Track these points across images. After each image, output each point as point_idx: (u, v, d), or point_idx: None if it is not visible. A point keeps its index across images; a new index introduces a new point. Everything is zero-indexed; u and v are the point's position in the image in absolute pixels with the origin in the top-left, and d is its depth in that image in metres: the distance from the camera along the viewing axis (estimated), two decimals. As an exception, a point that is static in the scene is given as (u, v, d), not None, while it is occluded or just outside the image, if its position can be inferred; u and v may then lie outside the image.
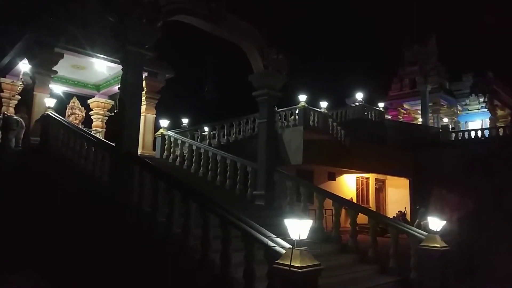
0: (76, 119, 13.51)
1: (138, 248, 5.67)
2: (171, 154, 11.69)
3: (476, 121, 32.95)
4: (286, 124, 14.93)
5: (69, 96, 13.86)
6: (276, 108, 12.78)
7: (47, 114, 9.04)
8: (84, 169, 7.47)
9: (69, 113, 13.67)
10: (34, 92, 9.54)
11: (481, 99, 31.92)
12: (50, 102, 9.31)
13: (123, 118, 6.53)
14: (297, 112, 14.65)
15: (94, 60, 10.70)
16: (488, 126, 27.11)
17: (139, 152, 9.86)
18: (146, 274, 5.45)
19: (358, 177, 20.43)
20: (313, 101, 16.19)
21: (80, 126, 11.53)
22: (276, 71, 8.74)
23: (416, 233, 6.87)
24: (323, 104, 16.15)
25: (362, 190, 20.82)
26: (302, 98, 14.78)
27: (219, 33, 8.23)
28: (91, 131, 12.25)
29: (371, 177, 21.05)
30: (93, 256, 6.08)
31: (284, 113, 15.14)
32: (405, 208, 19.72)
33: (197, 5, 7.49)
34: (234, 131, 15.17)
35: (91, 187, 7.02)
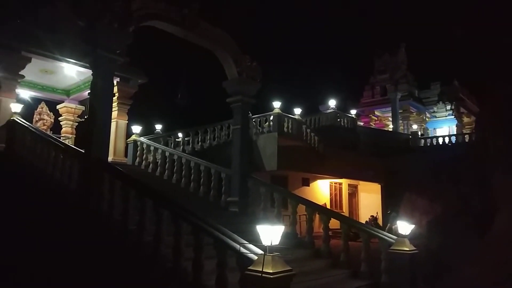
0: (44, 125, 13.13)
1: (108, 257, 5.53)
2: (144, 161, 11.52)
3: (444, 128, 34.17)
4: (260, 130, 14.98)
5: (37, 101, 13.45)
6: (250, 115, 12.84)
7: (13, 119, 8.73)
8: (51, 176, 7.24)
9: (37, 119, 13.29)
10: (0, 97, 9.23)
11: (448, 107, 33.21)
12: (17, 108, 9.00)
13: (93, 124, 6.39)
14: (271, 118, 14.74)
15: (63, 64, 10.45)
16: (455, 133, 28.16)
17: (110, 158, 9.70)
18: (117, 283, 5.32)
19: (332, 183, 20.71)
20: (287, 108, 16.36)
21: (48, 132, 11.20)
22: (250, 78, 8.79)
23: (386, 237, 7.02)
24: (297, 110, 16.33)
25: (336, 195, 21.12)
26: (276, 104, 14.90)
27: (192, 39, 8.21)
28: (60, 138, 11.91)
29: (344, 182, 21.39)
30: (62, 265, 5.88)
31: (259, 119, 15.19)
32: (377, 213, 20.12)
33: (170, 11, 7.44)
34: (208, 138, 15.12)
35: (59, 194, 6.81)
